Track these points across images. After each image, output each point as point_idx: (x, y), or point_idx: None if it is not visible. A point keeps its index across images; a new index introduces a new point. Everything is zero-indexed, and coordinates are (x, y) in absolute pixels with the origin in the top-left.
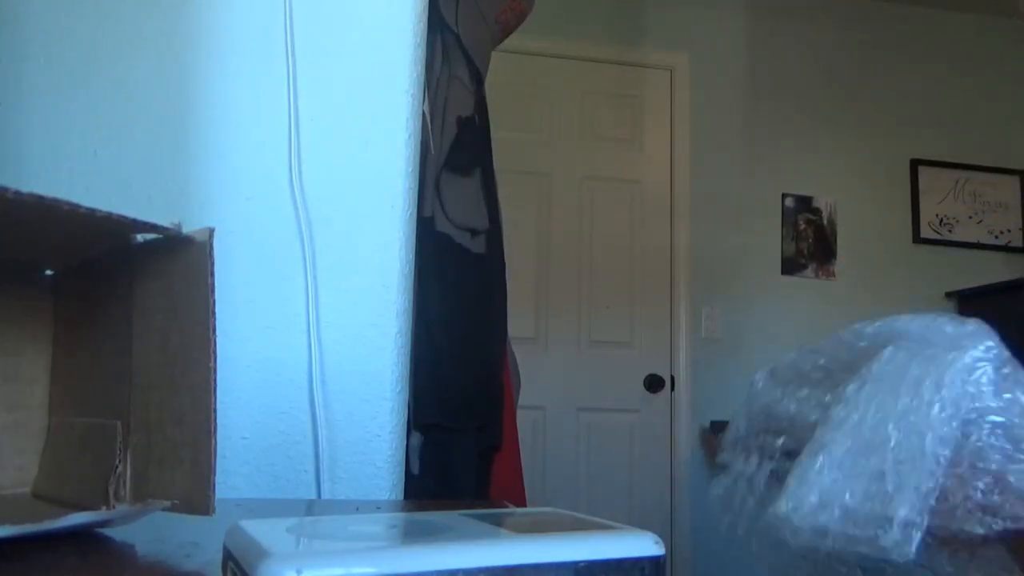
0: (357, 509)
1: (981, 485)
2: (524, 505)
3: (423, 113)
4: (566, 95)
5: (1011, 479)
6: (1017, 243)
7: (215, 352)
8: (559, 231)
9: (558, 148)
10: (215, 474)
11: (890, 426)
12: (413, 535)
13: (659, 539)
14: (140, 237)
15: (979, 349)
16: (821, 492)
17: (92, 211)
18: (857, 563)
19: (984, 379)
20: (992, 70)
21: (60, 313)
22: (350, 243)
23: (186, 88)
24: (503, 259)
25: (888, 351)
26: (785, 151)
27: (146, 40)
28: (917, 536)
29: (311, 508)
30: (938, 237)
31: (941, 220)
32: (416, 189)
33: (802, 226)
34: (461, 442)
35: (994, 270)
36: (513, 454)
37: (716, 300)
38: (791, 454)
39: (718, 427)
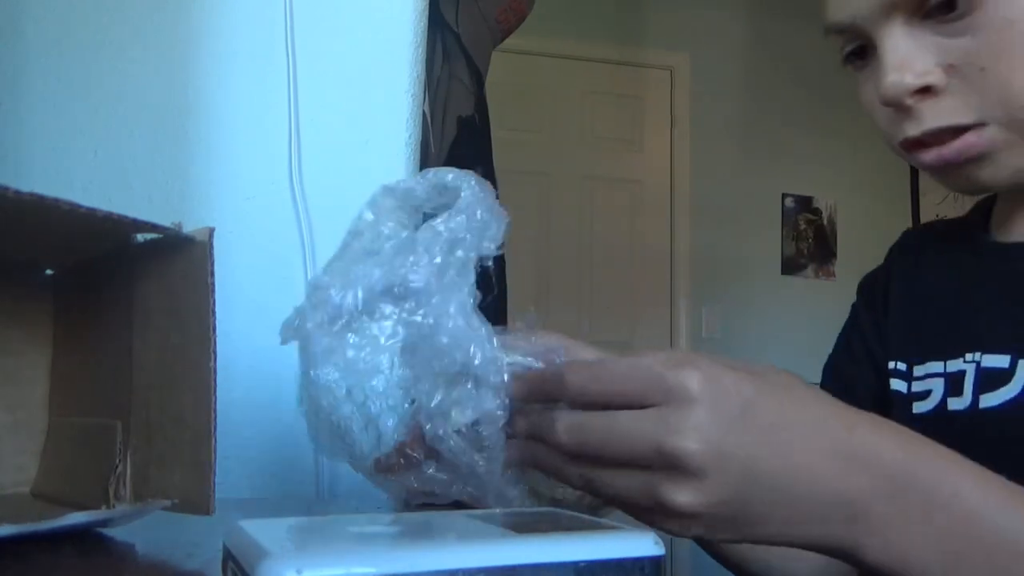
0: (357, 509)
1: None
2: None
3: (423, 113)
4: (566, 95)
5: None
6: None
7: (215, 352)
8: (559, 231)
9: (558, 148)
10: (215, 474)
11: None
12: (413, 535)
13: (659, 539)
14: (140, 237)
15: None
16: None
17: (92, 211)
18: None
19: None
20: None
21: (60, 313)
22: None
23: (186, 88)
24: (503, 258)
25: None
26: (785, 151)
27: (146, 40)
28: None
29: (311, 508)
30: None
31: None
32: None
33: (802, 226)
34: None
35: None
36: None
37: (716, 300)
38: None
39: None
